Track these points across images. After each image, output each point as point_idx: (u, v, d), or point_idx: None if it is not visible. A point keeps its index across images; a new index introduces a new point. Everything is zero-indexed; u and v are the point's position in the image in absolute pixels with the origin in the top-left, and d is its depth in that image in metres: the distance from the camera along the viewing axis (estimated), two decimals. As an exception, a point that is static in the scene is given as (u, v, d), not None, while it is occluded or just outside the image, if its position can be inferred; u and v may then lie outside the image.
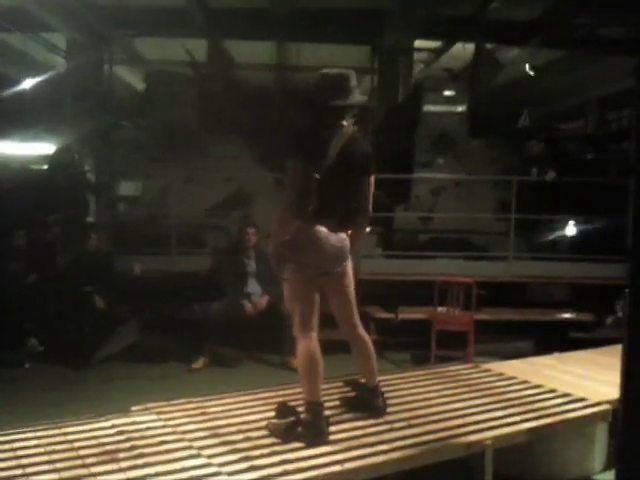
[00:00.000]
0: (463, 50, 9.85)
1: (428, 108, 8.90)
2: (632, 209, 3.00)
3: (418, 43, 10.11)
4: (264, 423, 3.53)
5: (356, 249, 3.75)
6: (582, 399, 4.11)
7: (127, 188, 10.81)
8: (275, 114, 9.61)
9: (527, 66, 10.29)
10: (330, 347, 6.86)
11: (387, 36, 9.47)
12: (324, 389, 3.90)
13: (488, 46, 9.75)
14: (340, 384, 4.29)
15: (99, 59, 9.76)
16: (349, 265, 3.72)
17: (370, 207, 3.64)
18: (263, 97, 10.45)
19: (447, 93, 9.30)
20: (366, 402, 3.81)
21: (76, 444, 3.20)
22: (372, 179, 3.64)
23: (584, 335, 7.14)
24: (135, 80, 12.37)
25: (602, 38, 9.24)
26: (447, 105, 9.09)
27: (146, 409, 3.77)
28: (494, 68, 9.63)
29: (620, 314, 7.09)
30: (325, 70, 3.53)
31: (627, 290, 2.99)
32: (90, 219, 8.67)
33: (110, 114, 9.92)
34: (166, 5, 9.02)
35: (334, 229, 3.50)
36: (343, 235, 3.57)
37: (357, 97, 3.57)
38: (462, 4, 8.53)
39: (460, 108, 9.03)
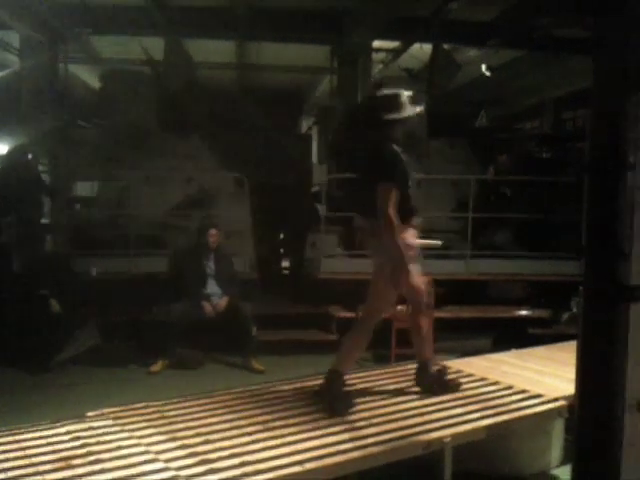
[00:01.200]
0: (421, 50, 9.93)
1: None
2: (586, 207, 3.06)
3: (377, 43, 10.15)
4: (224, 426, 3.51)
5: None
6: (539, 395, 4.16)
7: (84, 189, 10.65)
8: (235, 113, 9.55)
9: (484, 67, 10.42)
10: (290, 347, 6.86)
11: (346, 36, 9.48)
12: (285, 390, 3.92)
13: (446, 46, 9.83)
14: (301, 384, 4.30)
15: (54, 58, 9.56)
16: (382, 262, 3.96)
17: (381, 213, 3.78)
18: (223, 96, 10.37)
19: (406, 93, 9.34)
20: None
21: (30, 451, 3.12)
22: (382, 187, 3.80)
23: (541, 331, 7.26)
24: (92, 79, 12.16)
25: (559, 39, 9.40)
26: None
27: (102, 414, 3.70)
28: (452, 68, 9.72)
29: (575, 310, 7.23)
30: (380, 91, 4.16)
31: (581, 287, 3.05)
32: (45, 221, 8.50)
33: (66, 113, 9.74)
34: (123, 3, 8.89)
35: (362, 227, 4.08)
36: (378, 234, 3.88)
37: (409, 110, 4.04)
38: (420, 4, 8.59)
39: (419, 108, 9.08)
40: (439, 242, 4.99)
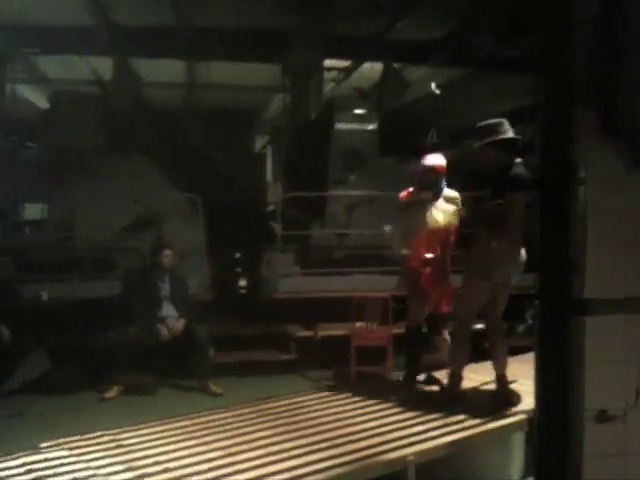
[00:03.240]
0: (372, 69, 10.03)
1: (340, 126, 8.98)
2: (540, 222, 3.10)
3: (328, 62, 10.21)
4: (183, 453, 3.43)
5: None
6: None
7: (32, 211, 10.37)
8: (188, 133, 9.47)
9: (433, 85, 10.57)
10: (249, 368, 6.76)
11: (297, 55, 9.51)
12: (244, 413, 3.85)
13: (395, 65, 9.94)
14: (261, 406, 4.24)
15: (0, 78, 9.35)
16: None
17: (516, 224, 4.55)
18: (175, 116, 10.29)
19: (358, 111, 9.42)
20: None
21: (-19, 487, 3.01)
22: (515, 199, 4.52)
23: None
24: (40, 100, 11.94)
25: (504, 57, 9.61)
26: (358, 123, 9.19)
27: (57, 445, 3.59)
28: (401, 86, 9.83)
29: (530, 322, 7.33)
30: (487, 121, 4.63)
31: (537, 301, 3.09)
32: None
33: (13, 135, 9.52)
34: (70, 22, 8.75)
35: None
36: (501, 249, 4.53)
37: (504, 135, 4.51)
38: (370, 23, 8.68)
39: (371, 126, 9.16)
40: None
